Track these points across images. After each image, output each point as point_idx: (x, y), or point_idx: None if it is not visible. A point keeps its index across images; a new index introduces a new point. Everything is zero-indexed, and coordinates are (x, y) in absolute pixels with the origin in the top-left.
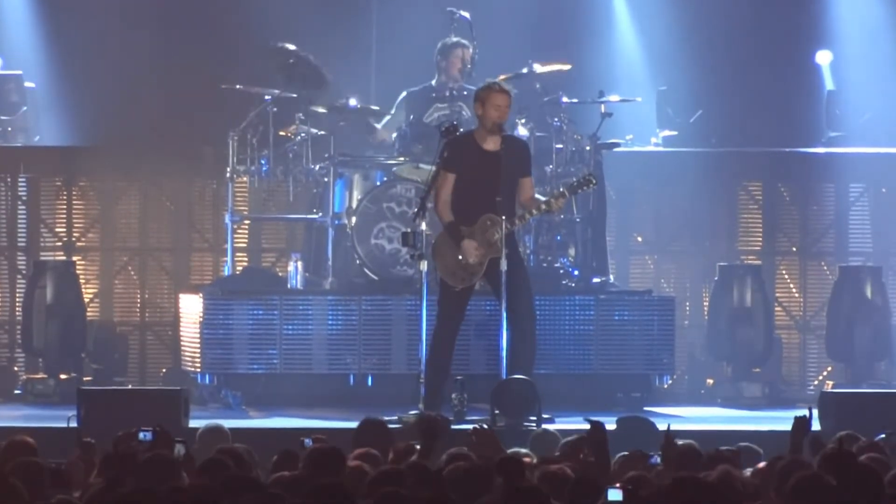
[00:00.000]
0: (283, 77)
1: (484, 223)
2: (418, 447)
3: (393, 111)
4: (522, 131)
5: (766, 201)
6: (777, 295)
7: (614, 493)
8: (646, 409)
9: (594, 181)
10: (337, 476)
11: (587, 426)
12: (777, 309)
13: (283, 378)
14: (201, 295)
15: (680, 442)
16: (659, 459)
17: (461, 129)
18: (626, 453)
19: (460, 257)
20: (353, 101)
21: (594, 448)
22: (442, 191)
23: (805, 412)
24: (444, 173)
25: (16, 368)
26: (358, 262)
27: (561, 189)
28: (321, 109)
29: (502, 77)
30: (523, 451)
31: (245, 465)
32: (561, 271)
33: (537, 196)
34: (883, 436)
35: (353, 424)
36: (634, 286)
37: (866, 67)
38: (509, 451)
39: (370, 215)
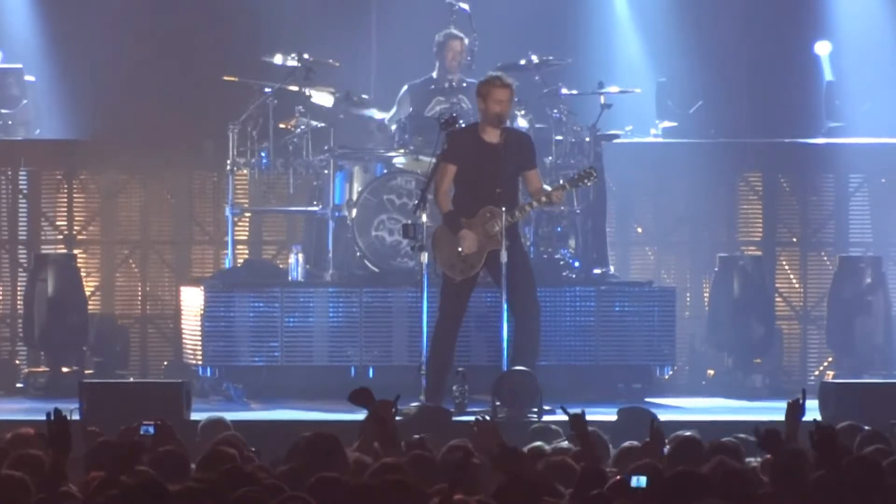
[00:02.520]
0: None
1: (484, 215)
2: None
3: (396, 106)
4: (522, 123)
5: (765, 192)
6: (777, 286)
7: (638, 480)
8: (647, 400)
9: (594, 175)
10: (338, 465)
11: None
12: (777, 299)
13: (285, 370)
14: (202, 287)
15: (688, 433)
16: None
17: (460, 121)
18: (634, 443)
19: (459, 249)
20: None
21: (579, 439)
22: (441, 182)
23: (798, 397)
24: (445, 164)
25: (17, 362)
26: (358, 254)
27: (561, 182)
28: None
29: (499, 65)
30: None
31: (244, 457)
32: (561, 262)
33: (544, 187)
34: None
35: (355, 416)
36: (635, 277)
37: (865, 58)
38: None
39: (370, 207)
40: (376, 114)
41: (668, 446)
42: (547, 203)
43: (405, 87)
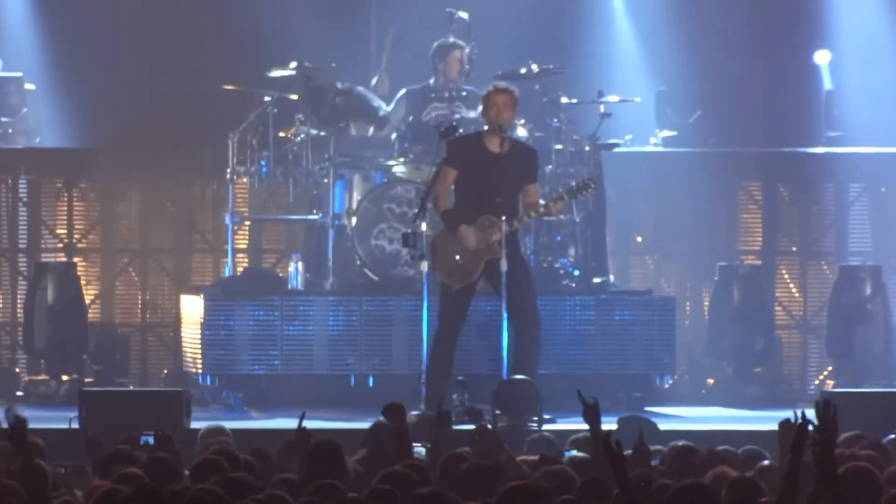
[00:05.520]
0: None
1: (483, 223)
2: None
3: (392, 106)
4: (522, 132)
5: (765, 201)
6: (777, 295)
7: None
8: (647, 409)
9: (593, 185)
10: (338, 472)
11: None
12: (777, 309)
13: (285, 379)
14: (202, 296)
15: (681, 443)
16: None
17: (460, 130)
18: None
19: (457, 257)
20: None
21: (590, 431)
22: (440, 184)
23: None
24: (445, 168)
25: (17, 370)
26: (358, 262)
27: (560, 192)
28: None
29: (499, 73)
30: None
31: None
32: (561, 272)
33: (540, 201)
34: (893, 436)
35: (355, 425)
36: (635, 286)
37: (865, 67)
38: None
39: (370, 216)
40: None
41: (656, 458)
42: (546, 214)
43: (403, 91)
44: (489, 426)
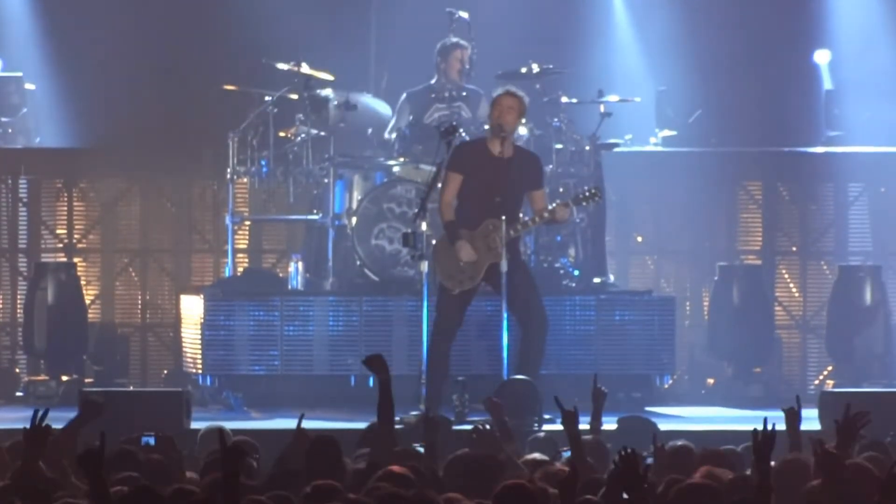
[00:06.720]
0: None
1: (486, 227)
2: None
3: (395, 115)
4: (522, 131)
5: (765, 201)
6: (777, 294)
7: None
8: (647, 409)
9: (599, 197)
10: (337, 467)
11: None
12: (777, 308)
13: (284, 379)
14: (202, 296)
15: (679, 442)
16: (651, 460)
17: (461, 130)
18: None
19: (461, 262)
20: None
21: (568, 437)
22: (446, 191)
23: (793, 405)
24: (451, 174)
25: (17, 370)
26: (358, 262)
27: (559, 200)
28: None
29: (500, 73)
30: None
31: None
32: (561, 272)
33: (548, 206)
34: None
35: (355, 425)
36: (635, 286)
37: (865, 67)
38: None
39: (370, 216)
40: (380, 106)
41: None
42: (550, 220)
43: (403, 96)
44: (487, 426)
